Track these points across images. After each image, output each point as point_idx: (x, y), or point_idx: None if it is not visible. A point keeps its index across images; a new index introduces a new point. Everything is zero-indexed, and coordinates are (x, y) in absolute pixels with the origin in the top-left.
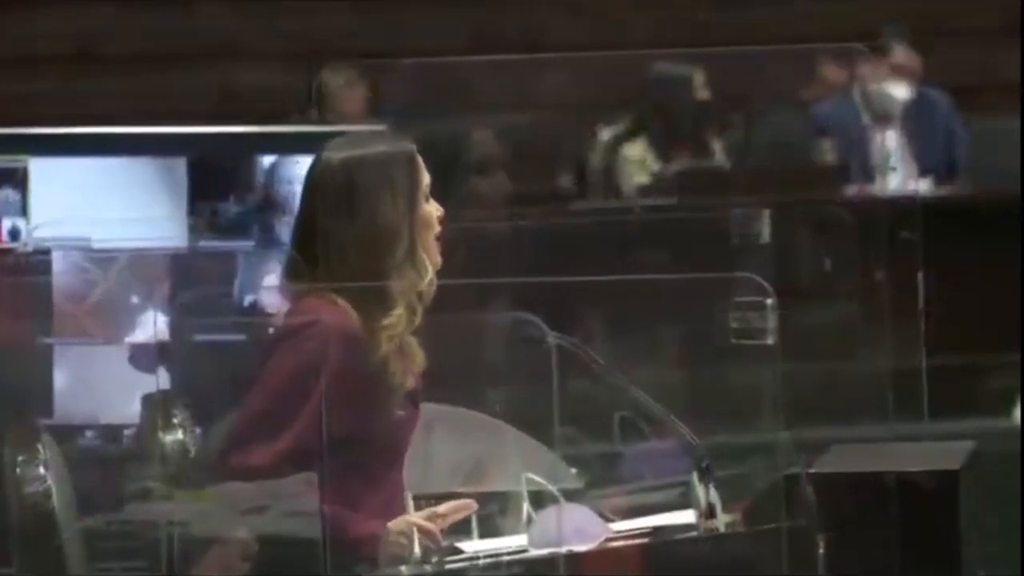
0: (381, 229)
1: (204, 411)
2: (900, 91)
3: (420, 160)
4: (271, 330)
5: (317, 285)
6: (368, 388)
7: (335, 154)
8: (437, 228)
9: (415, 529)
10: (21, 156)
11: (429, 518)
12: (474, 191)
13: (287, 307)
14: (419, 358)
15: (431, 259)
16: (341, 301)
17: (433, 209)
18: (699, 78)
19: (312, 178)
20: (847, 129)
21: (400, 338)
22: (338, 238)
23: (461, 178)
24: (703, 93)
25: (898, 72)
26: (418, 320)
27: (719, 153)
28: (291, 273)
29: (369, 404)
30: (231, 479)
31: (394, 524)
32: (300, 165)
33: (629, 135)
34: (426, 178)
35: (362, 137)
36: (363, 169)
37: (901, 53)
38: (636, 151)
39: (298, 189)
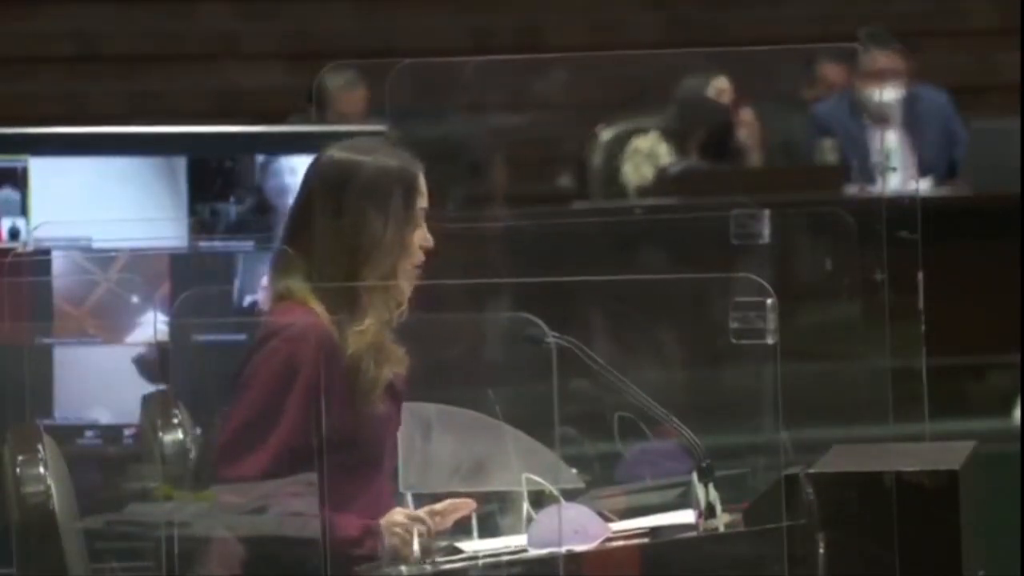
0: (365, 244)
1: (204, 411)
2: (888, 95)
3: (422, 183)
4: (251, 351)
5: (291, 285)
6: (343, 386)
7: (339, 154)
8: (420, 258)
9: (414, 527)
10: (21, 156)
11: (428, 514)
12: (473, 191)
13: (265, 311)
14: (398, 358)
15: (404, 288)
16: (314, 303)
17: (421, 238)
18: (721, 86)
19: (311, 173)
20: (847, 129)
21: (371, 341)
22: (323, 239)
23: (462, 178)
24: (724, 95)
25: (881, 77)
26: (391, 325)
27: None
28: (278, 266)
29: (345, 402)
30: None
31: (387, 517)
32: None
33: (643, 129)
34: (423, 202)
35: (371, 144)
36: (362, 177)
37: (881, 57)
38: (647, 143)
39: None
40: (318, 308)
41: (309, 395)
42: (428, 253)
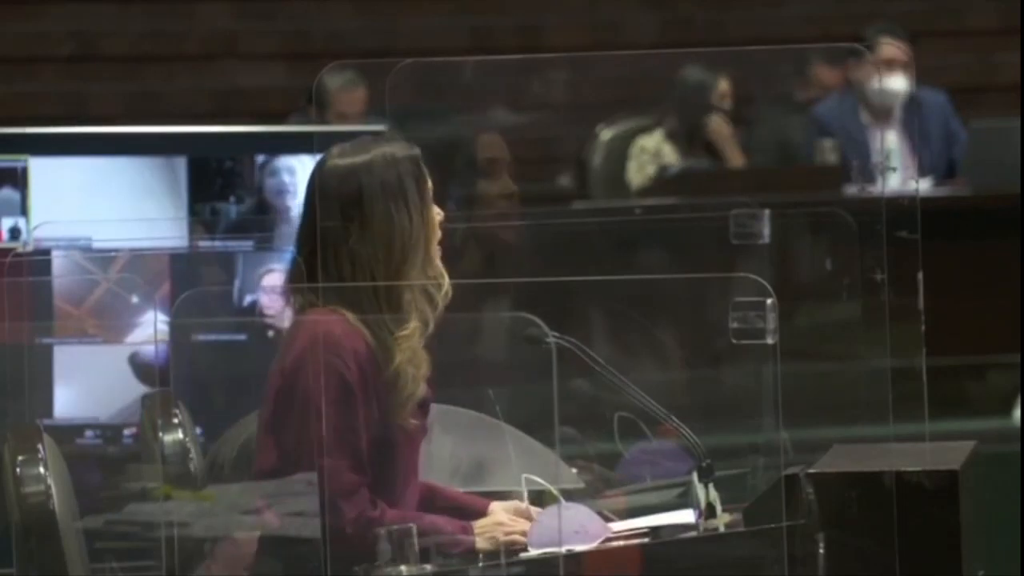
0: (396, 239)
1: (204, 411)
2: (897, 83)
3: (422, 164)
4: (284, 353)
5: (316, 300)
6: (385, 399)
7: (341, 160)
8: (439, 233)
9: (413, 530)
10: (21, 156)
11: (517, 512)
12: (478, 193)
13: (293, 324)
14: (426, 364)
15: (441, 268)
16: (348, 314)
17: (436, 214)
18: (723, 87)
19: (317, 185)
20: (847, 129)
21: (412, 349)
22: (350, 248)
23: (464, 179)
24: (724, 102)
25: (891, 66)
26: (431, 328)
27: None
28: (295, 282)
29: (386, 416)
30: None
31: (482, 524)
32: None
33: (646, 128)
34: (428, 181)
35: (366, 142)
36: (373, 176)
37: (890, 48)
38: (652, 142)
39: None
40: (350, 316)
41: (362, 406)
42: (441, 227)
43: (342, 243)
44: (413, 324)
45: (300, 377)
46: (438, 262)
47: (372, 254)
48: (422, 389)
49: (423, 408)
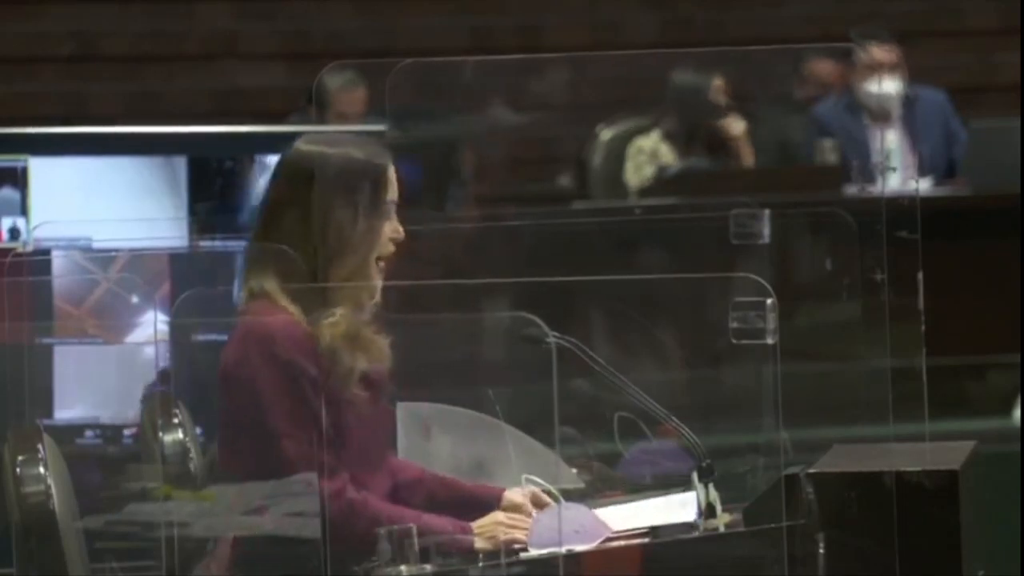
0: (332, 233)
1: (204, 411)
2: (888, 86)
3: (391, 174)
4: (225, 350)
5: (265, 284)
6: (324, 379)
7: (306, 147)
8: (390, 249)
9: (414, 529)
10: (21, 156)
11: (534, 499)
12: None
13: (240, 315)
14: (378, 349)
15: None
16: (287, 303)
17: (392, 230)
18: (717, 84)
19: (279, 167)
20: (847, 129)
21: (345, 331)
22: (293, 234)
23: (461, 178)
24: (720, 98)
25: (879, 69)
26: (367, 315)
27: (731, 155)
28: (250, 261)
29: (330, 395)
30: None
31: (481, 524)
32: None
33: (644, 128)
34: (393, 194)
35: (339, 137)
36: (329, 171)
37: (878, 51)
38: (649, 142)
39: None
40: (292, 308)
41: (309, 395)
42: (400, 246)
43: (285, 227)
44: (340, 312)
45: (245, 371)
46: (374, 275)
47: (307, 242)
48: (362, 363)
49: (367, 387)
